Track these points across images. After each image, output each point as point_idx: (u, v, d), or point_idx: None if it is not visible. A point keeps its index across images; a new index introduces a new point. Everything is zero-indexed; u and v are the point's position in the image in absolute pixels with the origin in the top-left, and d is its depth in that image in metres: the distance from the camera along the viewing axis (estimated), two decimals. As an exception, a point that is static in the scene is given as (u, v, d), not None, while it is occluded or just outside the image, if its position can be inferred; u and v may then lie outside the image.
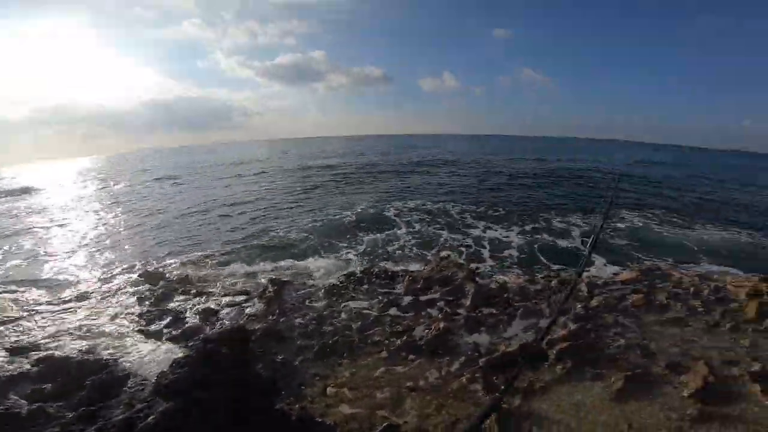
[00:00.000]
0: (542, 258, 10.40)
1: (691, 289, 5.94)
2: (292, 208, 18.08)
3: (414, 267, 8.83)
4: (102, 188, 31.06)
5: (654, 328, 5.18)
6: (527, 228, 13.48)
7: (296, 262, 10.11)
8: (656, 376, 4.09)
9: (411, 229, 13.04)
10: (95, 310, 7.36)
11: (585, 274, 6.88)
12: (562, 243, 12.10)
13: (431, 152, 50.14)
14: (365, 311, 6.73)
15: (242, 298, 7.50)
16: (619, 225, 14.45)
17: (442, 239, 11.92)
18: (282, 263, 9.97)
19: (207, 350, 4.69)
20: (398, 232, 12.81)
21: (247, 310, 6.96)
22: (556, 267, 9.69)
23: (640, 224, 14.79)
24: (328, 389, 4.66)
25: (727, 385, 3.79)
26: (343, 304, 7.05)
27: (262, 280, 8.37)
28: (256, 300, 7.31)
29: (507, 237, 12.23)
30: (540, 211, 16.34)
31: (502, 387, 3.97)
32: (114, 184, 32.08)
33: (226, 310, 7.09)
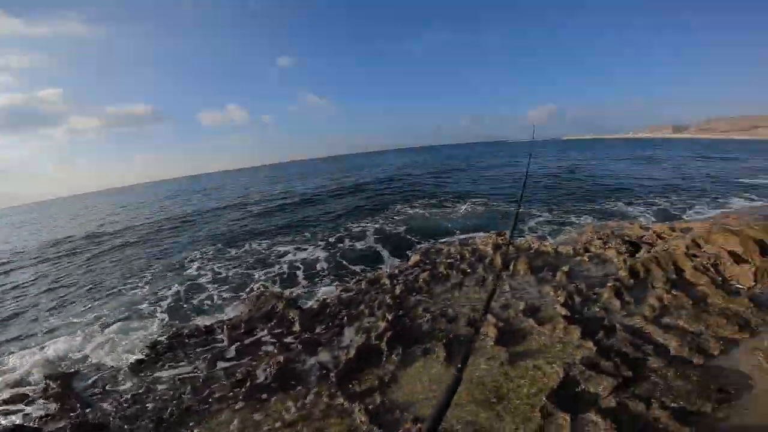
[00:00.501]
0: (348, 265, 11.34)
1: (458, 256, 7.69)
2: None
3: (231, 314, 8.32)
4: None
5: (445, 296, 6.51)
6: (331, 240, 14.58)
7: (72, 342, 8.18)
8: (464, 336, 5.17)
9: (216, 275, 12.14)
10: None
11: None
12: (361, 245, 13.48)
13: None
14: (191, 374, 6.07)
15: (20, 403, 5.68)
16: (396, 217, 17.08)
17: (255, 276, 11.57)
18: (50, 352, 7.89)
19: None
20: (201, 281, 11.72)
21: (36, 413, 5.36)
22: (362, 268, 10.83)
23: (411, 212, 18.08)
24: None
25: (512, 325, 5.11)
26: (159, 375, 6.16)
27: (33, 378, 6.53)
28: (41, 401, 5.65)
29: (314, 255, 12.82)
30: (339, 221, 18.09)
31: (358, 390, 4.41)
32: None
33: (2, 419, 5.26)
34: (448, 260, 7.75)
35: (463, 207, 18.61)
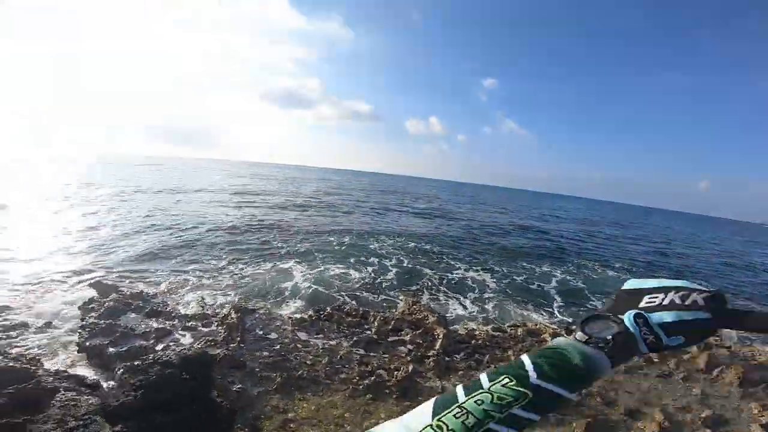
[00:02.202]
0: (514, 304, 10.87)
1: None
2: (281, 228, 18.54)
3: (391, 307, 8.96)
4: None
5: (614, 377, 5.49)
6: (505, 271, 14.40)
7: (266, 285, 10.15)
8: (616, 422, 4.45)
9: (397, 263, 13.57)
10: (30, 315, 6.95)
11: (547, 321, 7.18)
12: (535, 290, 12.83)
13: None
14: (333, 348, 6.73)
15: (202, 321, 7.29)
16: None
17: (425, 277, 12.39)
18: (248, 282, 9.95)
19: (165, 375, 4.59)
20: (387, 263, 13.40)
21: (207, 336, 6.75)
22: (526, 314, 10.29)
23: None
24: (290, 424, 4.61)
25: (681, 430, 4.07)
26: (311, 338, 7.00)
27: (225, 306, 8.24)
28: (216, 325, 7.15)
29: (483, 280, 12.84)
30: (516, 258, 17.58)
31: None
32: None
33: (183, 332, 6.87)
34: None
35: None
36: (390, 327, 7.54)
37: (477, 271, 13.87)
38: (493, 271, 14.17)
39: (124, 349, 5.98)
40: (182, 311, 7.61)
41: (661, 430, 4.15)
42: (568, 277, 14.83)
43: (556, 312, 10.69)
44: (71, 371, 5.26)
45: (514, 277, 13.67)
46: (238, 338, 6.74)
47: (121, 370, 5.28)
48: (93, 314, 6.64)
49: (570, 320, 9.80)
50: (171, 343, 6.44)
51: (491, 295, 11.36)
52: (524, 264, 16.19)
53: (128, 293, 7.72)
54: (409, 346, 6.91)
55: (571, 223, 41.16)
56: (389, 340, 7.14)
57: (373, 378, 5.72)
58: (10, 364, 4.67)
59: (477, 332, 7.45)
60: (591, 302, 12.10)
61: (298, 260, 12.72)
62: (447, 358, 6.48)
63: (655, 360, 5.86)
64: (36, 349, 5.88)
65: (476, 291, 11.49)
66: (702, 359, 5.71)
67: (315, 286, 10.36)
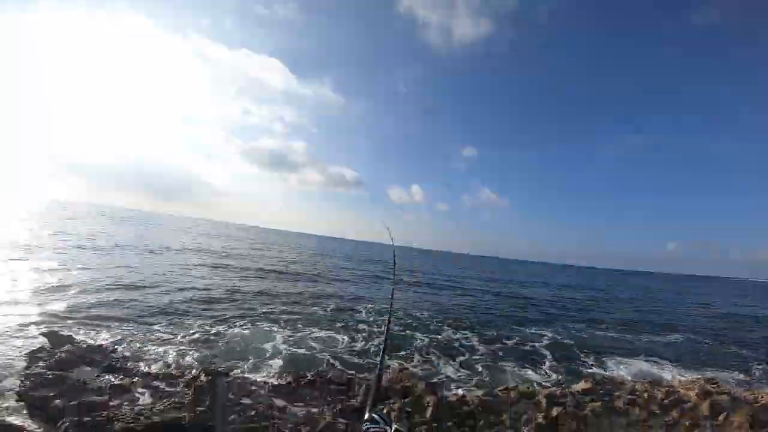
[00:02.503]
0: (506, 367, 10.57)
1: (645, 394, 6.30)
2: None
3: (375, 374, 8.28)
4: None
5: (617, 431, 5.29)
6: (494, 335, 14.24)
7: (241, 347, 9.31)
8: None
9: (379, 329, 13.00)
10: None
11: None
12: (526, 350, 12.79)
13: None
14: (315, 417, 6.05)
15: (166, 381, 6.41)
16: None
17: (416, 341, 12.03)
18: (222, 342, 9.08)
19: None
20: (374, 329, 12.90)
21: (171, 396, 5.92)
22: (521, 372, 10.13)
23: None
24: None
25: None
26: (290, 405, 6.32)
27: (194, 367, 7.40)
28: (183, 386, 6.30)
29: (472, 345, 12.49)
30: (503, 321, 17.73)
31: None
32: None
33: (143, 390, 6.01)
34: (631, 396, 6.37)
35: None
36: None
37: (465, 335, 13.63)
38: (482, 334, 13.97)
39: (72, 403, 5.13)
40: (145, 368, 6.70)
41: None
42: (557, 336, 14.98)
43: (548, 371, 10.54)
44: (9, 419, 4.39)
45: (504, 340, 13.55)
46: (207, 402, 5.96)
47: (67, 423, 4.56)
48: (41, 363, 5.70)
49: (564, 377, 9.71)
50: (129, 402, 5.55)
51: (480, 357, 11.08)
52: (513, 327, 16.28)
53: (85, 345, 6.75)
54: (398, 414, 6.38)
55: (550, 288, 41.79)
56: (378, 408, 6.53)
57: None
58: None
59: (468, 398, 7.01)
60: (581, 359, 12.15)
61: (277, 323, 11.95)
62: (440, 427, 6.01)
63: (657, 412, 5.70)
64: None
65: (466, 354, 11.17)
66: (705, 406, 5.62)
67: (296, 350, 9.58)
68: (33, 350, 6.14)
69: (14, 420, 4.44)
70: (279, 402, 6.42)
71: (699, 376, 7.30)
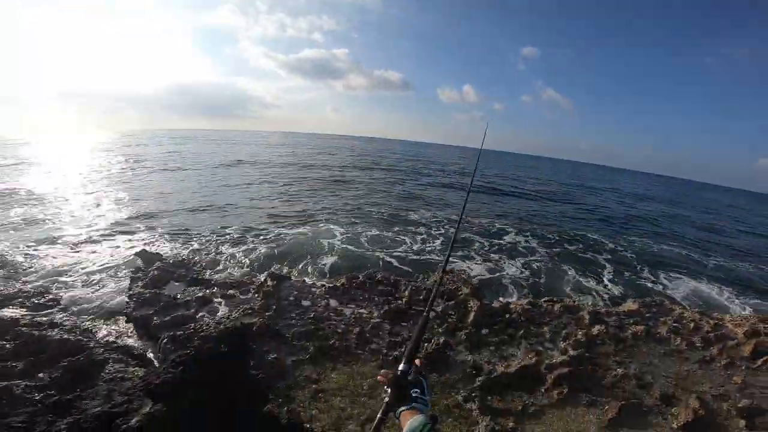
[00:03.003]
0: (553, 278, 10.74)
1: (691, 324, 6.13)
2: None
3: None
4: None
5: (652, 359, 5.43)
6: (553, 240, 14.31)
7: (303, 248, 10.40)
8: (649, 407, 4.38)
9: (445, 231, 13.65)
10: (80, 288, 7.48)
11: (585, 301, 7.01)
12: (586, 259, 12.75)
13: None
14: (365, 317, 6.87)
15: (239, 289, 7.65)
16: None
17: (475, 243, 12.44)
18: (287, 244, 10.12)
19: (205, 350, 4.88)
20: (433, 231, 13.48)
21: (244, 303, 7.09)
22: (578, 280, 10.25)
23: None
24: (320, 394, 4.78)
25: (715, 419, 3.98)
26: (343, 307, 7.18)
27: (261, 275, 8.55)
28: (253, 293, 7.48)
29: (532, 245, 12.80)
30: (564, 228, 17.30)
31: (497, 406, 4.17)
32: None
33: (222, 300, 7.24)
34: (676, 324, 6.25)
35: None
36: (421, 297, 7.58)
37: (526, 237, 13.80)
38: (544, 237, 14.07)
39: (167, 318, 6.40)
40: (221, 278, 7.99)
41: (695, 417, 4.05)
42: (619, 248, 14.51)
43: (604, 281, 10.54)
44: (120, 342, 5.71)
45: (566, 245, 13.47)
46: (274, 306, 7.01)
47: (165, 340, 5.64)
48: (139, 283, 7.12)
49: (618, 289, 9.68)
50: (210, 312, 6.83)
51: (540, 259, 11.35)
52: (574, 233, 15.92)
53: (171, 261, 8.20)
54: (441, 318, 6.97)
55: (620, 196, 39.79)
56: (419, 308, 7.19)
57: (402, 349, 5.80)
58: (65, 336, 5.07)
59: (512, 305, 7.33)
60: (639, 274, 11.80)
61: (337, 224, 12.95)
62: (478, 331, 6.47)
63: (698, 345, 5.65)
64: (85, 320, 6.33)
65: (528, 256, 11.47)
66: (748, 347, 5.42)
67: (351, 249, 10.56)
68: (132, 271, 7.58)
69: (127, 341, 5.79)
70: (334, 303, 7.38)
71: (757, 314, 6.77)
